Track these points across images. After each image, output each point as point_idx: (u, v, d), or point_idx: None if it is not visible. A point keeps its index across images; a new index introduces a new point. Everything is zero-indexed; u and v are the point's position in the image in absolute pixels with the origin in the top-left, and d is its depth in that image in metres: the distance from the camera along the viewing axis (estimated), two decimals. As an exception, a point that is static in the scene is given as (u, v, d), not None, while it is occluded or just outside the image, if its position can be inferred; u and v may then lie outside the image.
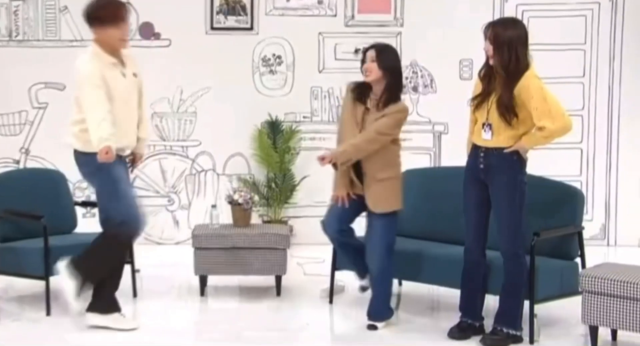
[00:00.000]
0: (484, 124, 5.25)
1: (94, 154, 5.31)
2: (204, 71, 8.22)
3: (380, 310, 5.75)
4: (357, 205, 5.67)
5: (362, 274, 5.92)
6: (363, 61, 5.62)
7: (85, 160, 5.47)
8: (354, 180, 5.63)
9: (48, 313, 5.95)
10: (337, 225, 5.70)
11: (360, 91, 5.62)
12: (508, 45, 5.08)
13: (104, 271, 5.54)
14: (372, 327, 5.71)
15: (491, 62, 5.18)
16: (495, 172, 5.28)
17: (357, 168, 5.63)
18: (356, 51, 8.07)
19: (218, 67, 8.22)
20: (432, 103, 8.32)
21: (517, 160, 5.25)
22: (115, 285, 5.67)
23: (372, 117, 5.57)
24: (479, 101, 5.28)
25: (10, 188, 6.26)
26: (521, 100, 5.12)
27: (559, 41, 8.25)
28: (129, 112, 5.55)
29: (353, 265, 5.92)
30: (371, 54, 5.56)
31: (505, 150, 5.22)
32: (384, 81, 5.54)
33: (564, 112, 5.16)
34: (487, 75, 5.25)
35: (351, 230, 5.79)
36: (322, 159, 5.47)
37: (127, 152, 5.66)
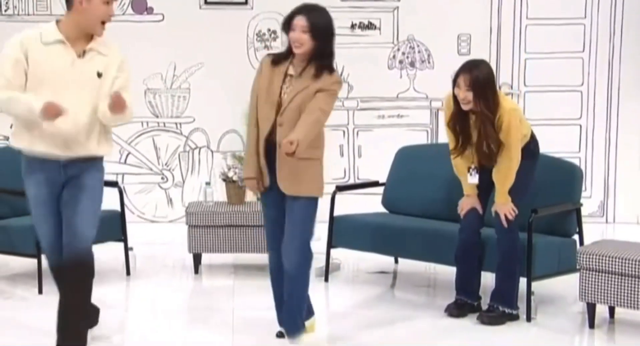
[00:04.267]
0: (469, 168, 5.35)
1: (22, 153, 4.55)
2: (197, 46, 8.16)
3: (296, 324, 4.88)
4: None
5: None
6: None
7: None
8: (262, 168, 4.77)
9: (40, 291, 5.91)
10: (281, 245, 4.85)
11: (277, 59, 4.75)
12: (487, 85, 5.14)
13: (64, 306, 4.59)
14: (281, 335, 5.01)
15: (467, 107, 5.17)
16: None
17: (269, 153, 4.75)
18: (352, 26, 8.11)
19: (212, 43, 8.14)
20: (429, 79, 8.23)
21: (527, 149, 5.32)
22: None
23: (296, 86, 4.66)
24: (461, 150, 5.32)
25: (0, 165, 6.13)
26: (500, 130, 5.20)
27: (559, 15, 8.21)
28: (71, 104, 4.37)
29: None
30: (300, 22, 4.63)
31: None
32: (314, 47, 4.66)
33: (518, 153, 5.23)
34: (461, 123, 5.27)
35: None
36: (291, 143, 4.44)
37: (62, 156, 4.51)
